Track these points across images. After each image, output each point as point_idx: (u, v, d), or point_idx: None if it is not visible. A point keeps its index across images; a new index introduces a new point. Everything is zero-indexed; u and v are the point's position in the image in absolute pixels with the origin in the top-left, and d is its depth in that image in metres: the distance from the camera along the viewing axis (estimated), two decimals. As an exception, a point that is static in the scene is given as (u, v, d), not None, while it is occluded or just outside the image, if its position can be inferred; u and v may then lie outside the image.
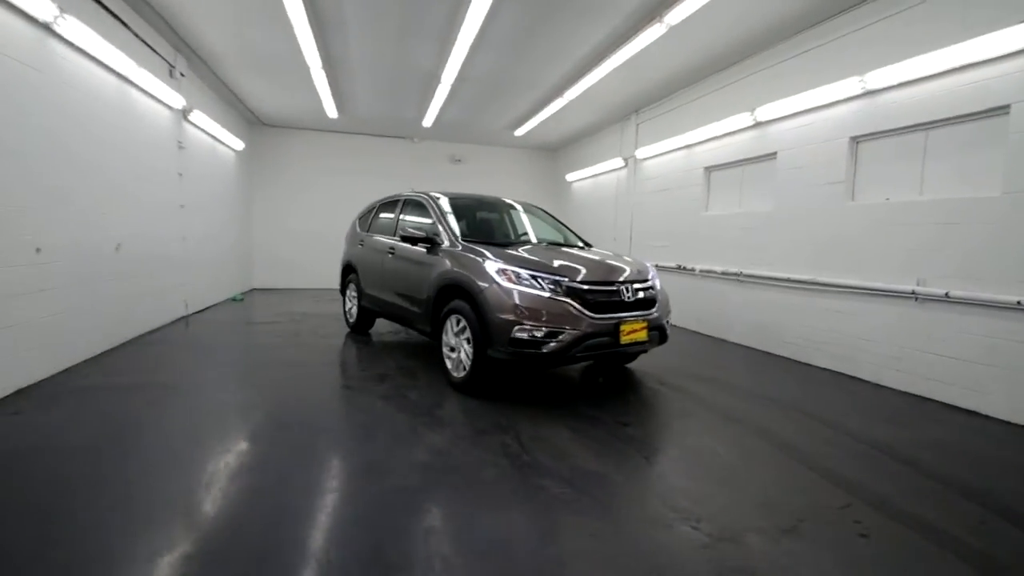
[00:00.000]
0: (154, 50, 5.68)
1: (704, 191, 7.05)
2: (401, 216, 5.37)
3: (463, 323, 3.85)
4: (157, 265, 5.88)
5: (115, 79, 4.90)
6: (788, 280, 5.49)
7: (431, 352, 5.32)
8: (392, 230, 5.40)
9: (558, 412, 3.58)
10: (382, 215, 5.94)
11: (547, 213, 5.64)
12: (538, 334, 3.44)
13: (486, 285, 3.63)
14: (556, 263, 3.77)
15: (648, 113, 8.30)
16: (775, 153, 5.78)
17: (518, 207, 5.41)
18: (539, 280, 3.57)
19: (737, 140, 6.34)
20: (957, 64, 3.96)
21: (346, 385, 4.11)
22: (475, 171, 11.81)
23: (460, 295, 3.96)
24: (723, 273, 6.51)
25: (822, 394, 4.30)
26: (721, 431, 3.37)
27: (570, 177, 11.25)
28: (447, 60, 6.30)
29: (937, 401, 4.08)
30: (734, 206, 6.58)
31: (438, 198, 4.93)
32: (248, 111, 9.28)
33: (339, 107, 8.71)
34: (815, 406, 3.93)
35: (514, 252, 3.93)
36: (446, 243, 4.33)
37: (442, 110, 8.61)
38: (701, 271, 6.89)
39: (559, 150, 12.15)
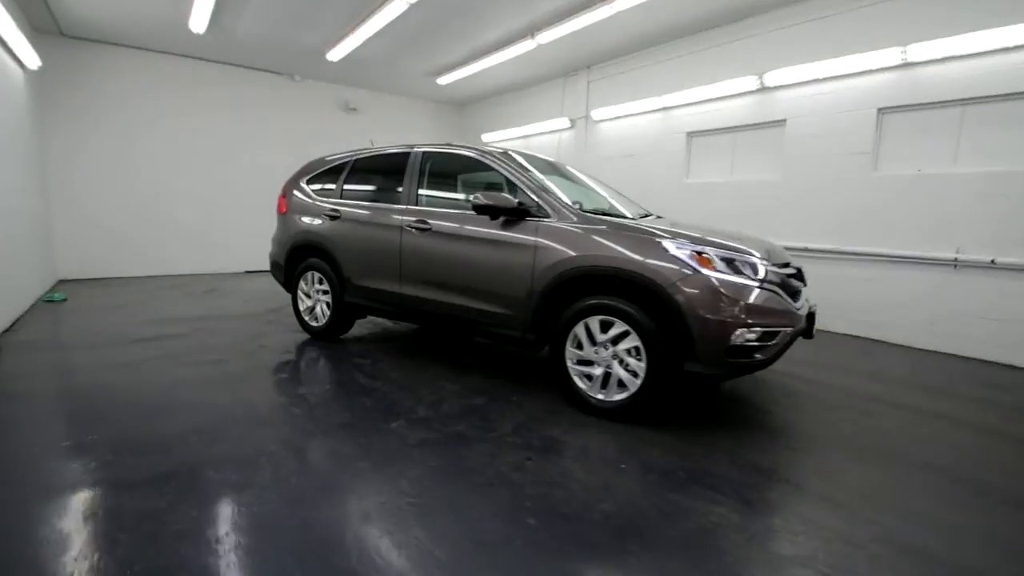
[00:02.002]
0: None
1: (685, 158, 6.76)
2: (424, 179, 3.84)
3: (619, 328, 2.78)
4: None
5: None
6: (805, 249, 5.52)
7: (475, 354, 4.01)
8: (407, 198, 3.83)
9: (758, 431, 2.85)
10: (371, 178, 4.26)
11: (578, 172, 4.61)
12: (752, 336, 2.61)
13: (678, 276, 2.63)
14: (731, 240, 2.92)
15: (605, 70, 7.65)
16: (784, 120, 5.68)
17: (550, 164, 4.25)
18: (738, 264, 2.71)
19: (734, 105, 6.11)
20: (1010, 44, 4.14)
21: (459, 435, 2.65)
22: (371, 122, 9.82)
23: (606, 289, 2.88)
24: (715, 243, 6.36)
25: (902, 364, 4.35)
26: (940, 432, 3.03)
27: (489, 137, 10.09)
28: (428, -34, 4.70)
29: (978, 359, 4.43)
30: (724, 174, 6.42)
31: (509, 152, 3.59)
32: (45, 8, 5.94)
33: (215, 18, 6.10)
34: (927, 379, 3.92)
35: (666, 227, 2.96)
36: (551, 217, 3.11)
37: (369, 41, 6.67)
38: (688, 242, 6.65)
39: (469, 106, 10.81)
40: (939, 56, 4.51)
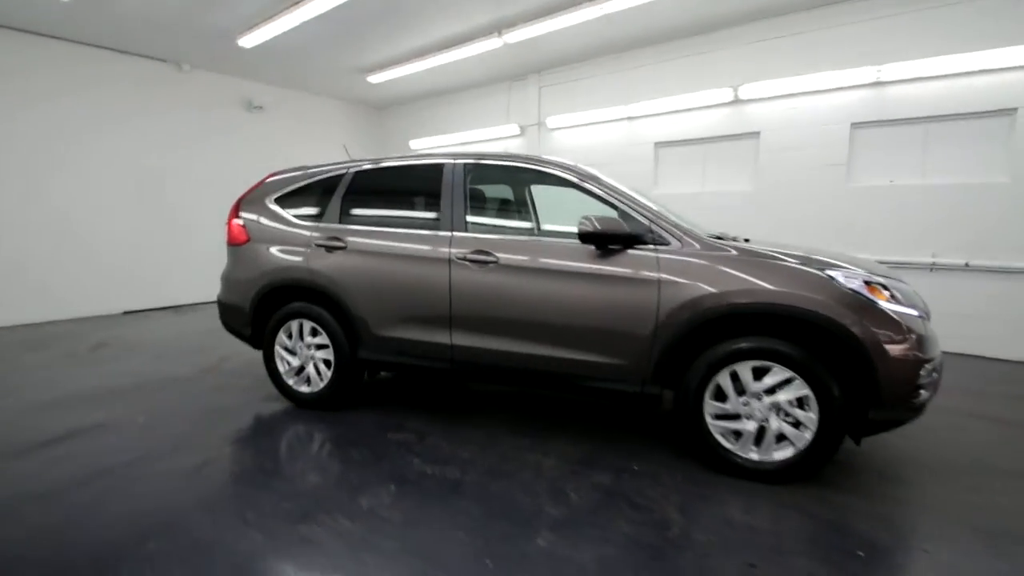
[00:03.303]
0: None
1: (652, 168, 6.66)
2: (472, 198, 3.07)
3: (780, 375, 2.36)
4: None
5: None
6: (788, 258, 5.67)
7: (508, 403, 3.30)
8: (450, 222, 3.00)
9: (909, 469, 2.63)
10: (384, 198, 3.38)
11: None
12: (926, 371, 2.36)
13: (860, 312, 2.27)
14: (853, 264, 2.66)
15: (561, 75, 7.30)
16: (758, 132, 5.81)
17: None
18: (897, 293, 2.45)
19: (705, 116, 6.12)
20: (972, 69, 4.58)
21: (635, 541, 1.98)
22: (278, 125, 8.35)
23: (751, 329, 2.44)
24: (693, 254, 6.34)
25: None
26: None
27: (419, 144, 9.18)
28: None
29: (964, 355, 4.82)
30: (695, 184, 6.42)
31: (581, 165, 2.97)
32: None
33: (89, -20, 4.52)
34: (958, 382, 4.10)
35: (791, 251, 2.61)
36: (670, 244, 2.59)
37: (301, 26, 5.49)
38: (663, 253, 6.55)
39: (390, 109, 9.76)
40: (909, 76, 4.87)
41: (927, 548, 2.00)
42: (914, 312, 2.40)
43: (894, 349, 2.25)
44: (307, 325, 3.33)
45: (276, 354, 3.45)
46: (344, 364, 3.24)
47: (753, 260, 2.49)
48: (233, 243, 3.61)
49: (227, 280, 3.65)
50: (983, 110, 4.64)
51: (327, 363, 3.32)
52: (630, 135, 6.76)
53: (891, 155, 5.15)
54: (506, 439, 2.97)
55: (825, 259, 2.49)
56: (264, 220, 3.53)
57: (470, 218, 3.01)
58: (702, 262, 2.51)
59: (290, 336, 3.39)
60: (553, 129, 7.48)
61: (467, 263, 2.88)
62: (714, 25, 5.76)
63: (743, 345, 2.41)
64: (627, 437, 3.01)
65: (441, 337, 2.98)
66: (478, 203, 3.13)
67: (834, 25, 5.19)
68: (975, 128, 4.72)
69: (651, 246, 2.60)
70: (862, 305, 2.29)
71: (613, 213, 2.72)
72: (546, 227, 3.10)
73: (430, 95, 8.84)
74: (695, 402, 2.52)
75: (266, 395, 3.64)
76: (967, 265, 4.78)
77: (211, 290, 7.91)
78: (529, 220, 3.59)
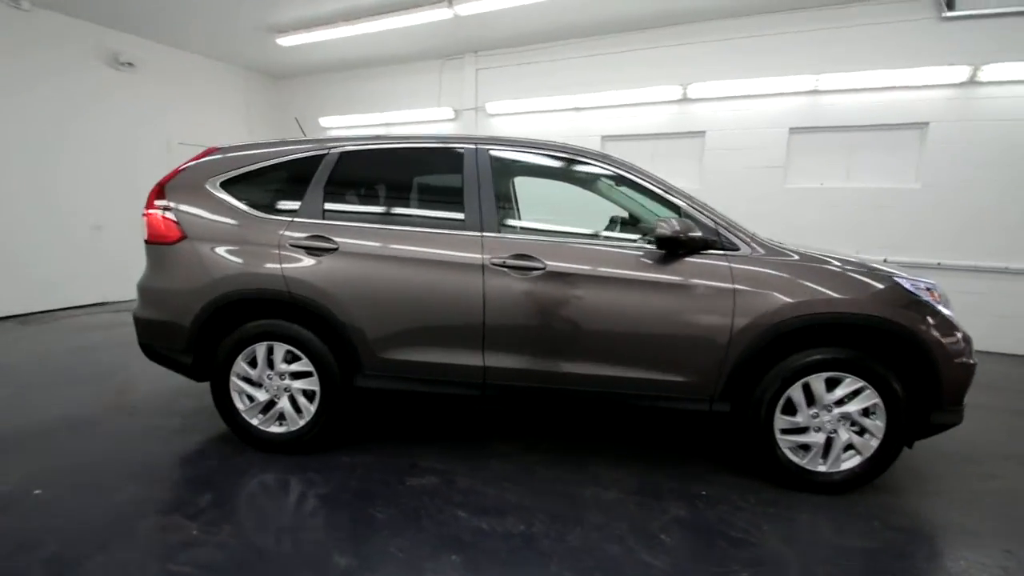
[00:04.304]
0: None
1: (599, 161, 6.55)
2: (505, 193, 2.60)
3: (852, 385, 2.31)
4: None
5: None
6: (732, 254, 5.95)
7: (570, 434, 2.94)
8: (477, 220, 2.49)
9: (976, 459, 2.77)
10: (384, 188, 2.81)
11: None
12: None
13: (928, 318, 2.28)
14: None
15: (499, 59, 6.87)
16: (703, 132, 5.98)
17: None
18: (941, 294, 2.53)
19: (654, 112, 6.16)
20: (896, 84, 5.10)
21: None
22: (152, 88, 6.80)
23: (818, 340, 2.35)
24: (641, 249, 6.40)
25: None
26: None
27: (330, 122, 8.13)
28: None
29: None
30: (642, 180, 6.44)
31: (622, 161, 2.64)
32: None
33: None
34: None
35: (840, 256, 2.59)
36: (739, 249, 2.41)
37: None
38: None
39: (294, 79, 8.50)
40: (842, 87, 5.30)
41: (1009, 549, 2.05)
42: (954, 314, 2.49)
43: (954, 353, 2.30)
44: (280, 349, 2.60)
45: (232, 387, 2.66)
46: (334, 395, 2.59)
47: (817, 268, 2.40)
48: (157, 240, 2.70)
49: (150, 291, 2.73)
50: (901, 122, 5.20)
51: (308, 395, 2.63)
52: (576, 127, 6.58)
53: (822, 159, 5.60)
54: (542, 470, 2.59)
55: (880, 266, 2.49)
56: (205, 212, 2.69)
57: (503, 216, 2.56)
58: (772, 271, 2.37)
59: (253, 364, 2.63)
60: (493, 115, 7.05)
61: (506, 270, 2.42)
62: (666, 19, 5.77)
63: (821, 356, 2.31)
64: (665, 454, 2.80)
65: (471, 359, 2.49)
66: (509, 198, 2.68)
67: (778, 32, 5.47)
68: (894, 138, 5.29)
69: (721, 252, 2.39)
70: (929, 311, 2.31)
71: (673, 215, 2.47)
72: (592, 229, 2.77)
73: (346, 67, 7.83)
74: (766, 417, 2.38)
75: (210, 438, 2.84)
76: (885, 261, 5.29)
77: (67, 294, 6.27)
78: (571, 220, 3.16)
